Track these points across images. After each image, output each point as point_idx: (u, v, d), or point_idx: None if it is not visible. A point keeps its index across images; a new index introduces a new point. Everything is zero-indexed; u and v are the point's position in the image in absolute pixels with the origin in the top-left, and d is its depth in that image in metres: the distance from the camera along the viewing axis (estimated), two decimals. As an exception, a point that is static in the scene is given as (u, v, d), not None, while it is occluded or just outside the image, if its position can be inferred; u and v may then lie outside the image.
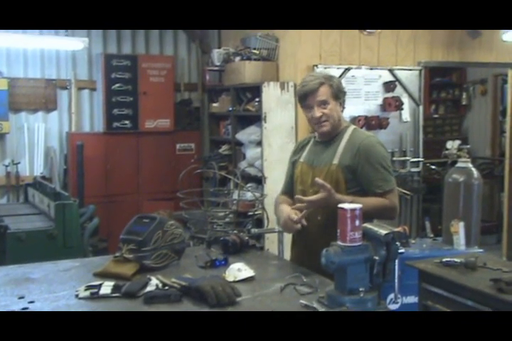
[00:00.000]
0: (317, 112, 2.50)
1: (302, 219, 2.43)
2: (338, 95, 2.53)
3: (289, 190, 2.72)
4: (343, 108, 2.60)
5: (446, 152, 5.23)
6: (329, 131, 2.54)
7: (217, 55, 5.58)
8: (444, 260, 2.73)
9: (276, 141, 4.81)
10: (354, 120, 4.91)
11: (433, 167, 6.14)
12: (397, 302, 3.66)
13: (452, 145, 5.18)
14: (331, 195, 2.33)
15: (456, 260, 2.69)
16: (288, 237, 2.75)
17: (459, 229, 3.90)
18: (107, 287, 2.10)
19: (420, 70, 5.30)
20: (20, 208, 4.77)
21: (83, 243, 4.22)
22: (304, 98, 2.52)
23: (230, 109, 5.39)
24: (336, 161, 2.49)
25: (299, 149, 2.73)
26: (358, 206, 1.89)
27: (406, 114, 5.25)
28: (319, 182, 2.35)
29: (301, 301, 1.97)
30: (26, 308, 1.96)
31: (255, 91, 5.02)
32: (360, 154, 2.46)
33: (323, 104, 2.49)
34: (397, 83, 5.16)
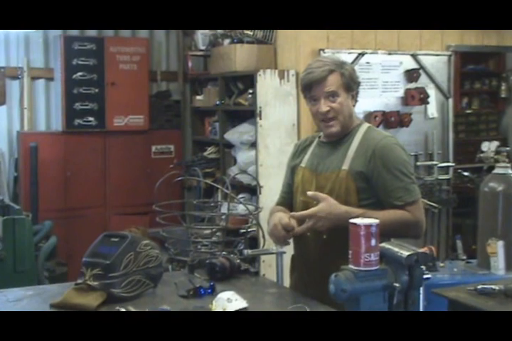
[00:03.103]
0: (324, 106, 2.49)
1: (299, 231, 2.43)
2: (351, 86, 2.53)
3: (286, 202, 2.71)
4: (356, 101, 2.60)
5: (482, 155, 5.24)
6: (338, 131, 2.54)
7: (201, 37, 5.59)
8: (480, 287, 2.73)
9: (273, 141, 4.82)
10: (369, 116, 4.92)
11: (465, 173, 6.15)
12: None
13: (489, 147, 5.20)
14: (331, 206, 2.35)
15: (493, 287, 2.70)
16: (288, 260, 2.76)
17: (497, 249, 3.90)
18: (66, 321, 2.10)
19: (450, 56, 5.33)
20: (-41, 225, 4.74)
21: (37, 267, 4.21)
22: (309, 88, 2.52)
23: (218, 102, 5.40)
24: (345, 167, 2.49)
25: (299, 151, 2.72)
26: (374, 221, 1.90)
27: (432, 109, 5.27)
28: (310, 194, 2.39)
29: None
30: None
31: (248, 81, 5.03)
32: (375, 158, 2.46)
33: (332, 96, 2.49)
34: (421, 71, 5.18)
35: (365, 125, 2.61)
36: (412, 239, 2.36)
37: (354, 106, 2.60)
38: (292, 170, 2.71)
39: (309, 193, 2.40)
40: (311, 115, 2.60)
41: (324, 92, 2.49)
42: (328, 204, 2.36)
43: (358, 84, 2.59)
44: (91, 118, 5.67)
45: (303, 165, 2.65)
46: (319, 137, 2.68)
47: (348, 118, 2.54)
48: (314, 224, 2.39)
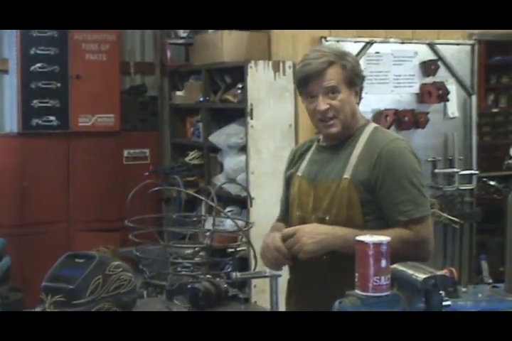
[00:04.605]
0: (322, 104, 2.50)
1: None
2: (354, 80, 2.54)
3: (287, 218, 2.74)
4: (360, 99, 2.62)
5: (511, 161, 5.26)
6: (339, 132, 2.55)
7: (182, 22, 5.61)
8: (509, 316, 2.74)
9: (267, 145, 4.83)
10: (379, 116, 4.94)
11: (492, 183, 6.17)
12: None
13: (519, 151, 5.22)
14: (314, 224, 2.49)
15: (525, 316, 2.71)
16: (284, 284, 2.76)
17: (528, 271, 3.92)
18: (22, 357, 2.10)
19: (473, 45, 5.35)
20: None
21: (-12, 293, 4.19)
22: (305, 83, 2.53)
23: (202, 99, 5.41)
24: (347, 175, 2.50)
25: (296, 158, 2.73)
26: (384, 239, 1.90)
27: (453, 108, 5.29)
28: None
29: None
30: None
31: (237, 74, 5.04)
32: (381, 163, 2.46)
33: (332, 92, 2.50)
34: (439, 63, 5.20)
35: (372, 125, 2.62)
36: (416, 261, 2.34)
37: (358, 103, 2.61)
38: (288, 181, 2.72)
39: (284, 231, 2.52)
40: (308, 114, 2.60)
41: (323, 88, 2.49)
42: (310, 225, 2.49)
43: (363, 78, 2.60)
44: (52, 118, 5.66)
45: (299, 173, 2.66)
46: (318, 141, 2.69)
47: (351, 117, 2.55)
48: (298, 240, 2.43)
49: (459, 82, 5.31)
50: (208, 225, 4.18)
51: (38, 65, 5.59)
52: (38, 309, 2.36)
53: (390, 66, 5.09)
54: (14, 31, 5.55)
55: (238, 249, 3.81)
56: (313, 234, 2.43)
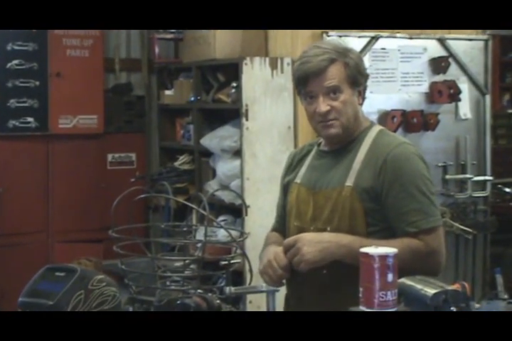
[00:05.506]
0: (323, 105, 2.50)
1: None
2: (357, 79, 2.54)
3: (283, 228, 2.74)
4: (364, 99, 2.62)
5: (528, 167, 5.27)
6: (339, 134, 2.54)
7: (172, 15, 5.61)
8: (526, 334, 2.74)
9: (264, 148, 4.82)
10: (385, 117, 4.94)
11: (507, 190, 6.18)
12: None
13: (536, 156, 5.23)
14: (316, 233, 2.47)
15: (543, 334, 2.71)
16: (281, 300, 2.76)
17: (547, 286, 3.93)
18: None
19: (487, 41, 5.36)
20: None
21: (-41, 310, 4.17)
22: (304, 82, 2.53)
23: (192, 99, 5.41)
24: (350, 182, 2.50)
25: (294, 163, 2.73)
26: (391, 251, 1.90)
27: (465, 108, 5.30)
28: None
29: None
30: None
31: (231, 71, 5.05)
32: (386, 170, 2.46)
33: (334, 92, 2.50)
34: (451, 60, 5.21)
35: (376, 128, 2.62)
36: (426, 275, 2.34)
37: (361, 104, 2.61)
38: (285, 188, 2.72)
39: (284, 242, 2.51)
40: (307, 116, 2.60)
41: (324, 88, 2.49)
42: (312, 233, 2.49)
43: (367, 76, 2.60)
44: (30, 119, 5.66)
45: (298, 180, 2.66)
46: (318, 145, 2.69)
47: (353, 120, 2.55)
48: (299, 250, 2.42)
49: (472, 80, 5.31)
50: (200, 236, 4.18)
51: (15, 61, 5.59)
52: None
53: (397, 63, 5.09)
54: (-11, 25, 5.56)
55: (232, 262, 3.80)
56: (314, 242, 2.41)
